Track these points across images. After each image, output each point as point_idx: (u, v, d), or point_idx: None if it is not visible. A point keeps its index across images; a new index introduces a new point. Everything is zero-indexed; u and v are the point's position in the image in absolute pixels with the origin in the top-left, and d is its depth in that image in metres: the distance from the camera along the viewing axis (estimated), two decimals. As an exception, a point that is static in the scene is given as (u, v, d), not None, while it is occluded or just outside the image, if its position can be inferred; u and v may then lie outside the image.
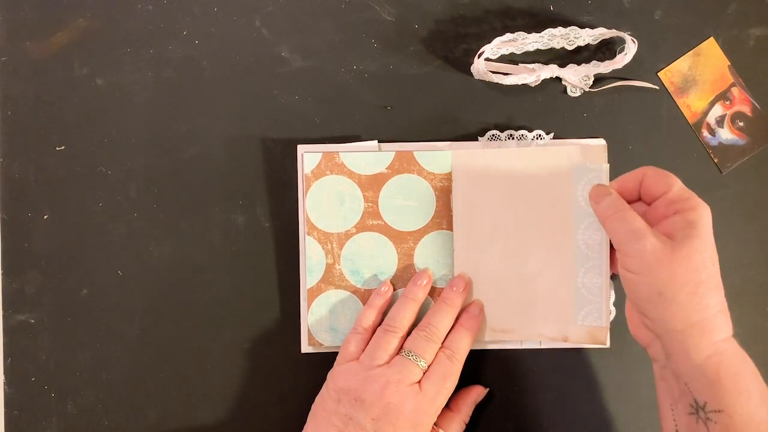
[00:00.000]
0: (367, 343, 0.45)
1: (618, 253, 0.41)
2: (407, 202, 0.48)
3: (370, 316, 0.46)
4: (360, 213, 0.48)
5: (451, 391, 0.44)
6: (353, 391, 0.42)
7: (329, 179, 0.48)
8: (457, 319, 0.46)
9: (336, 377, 0.44)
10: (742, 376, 0.38)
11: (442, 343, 0.45)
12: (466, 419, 0.46)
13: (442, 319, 0.45)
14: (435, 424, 0.45)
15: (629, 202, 0.43)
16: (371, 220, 0.48)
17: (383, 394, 0.41)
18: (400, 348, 0.44)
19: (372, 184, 0.48)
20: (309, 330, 0.48)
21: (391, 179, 0.48)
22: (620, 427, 0.48)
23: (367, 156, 0.48)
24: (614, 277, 0.47)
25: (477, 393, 0.47)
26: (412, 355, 0.43)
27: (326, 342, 0.48)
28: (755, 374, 0.39)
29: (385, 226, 0.48)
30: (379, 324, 0.46)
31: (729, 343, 0.39)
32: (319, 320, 0.48)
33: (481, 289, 0.47)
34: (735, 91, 0.49)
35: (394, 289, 0.47)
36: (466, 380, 0.48)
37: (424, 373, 0.43)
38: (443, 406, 0.43)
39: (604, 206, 0.43)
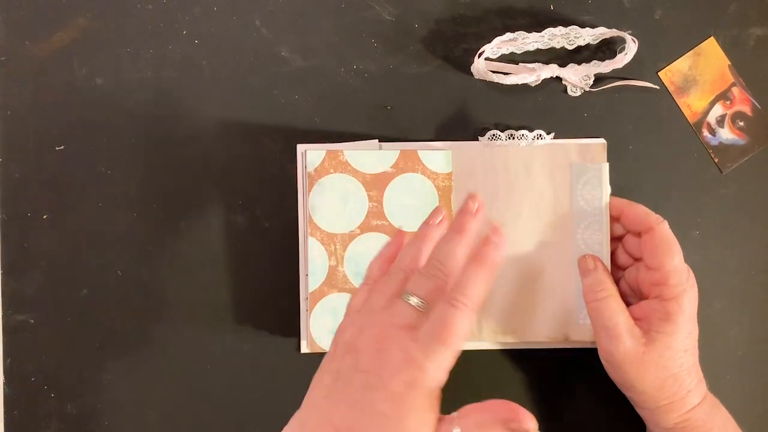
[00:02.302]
0: None
1: (596, 341, 0.43)
2: (412, 201, 0.47)
3: (380, 267, 0.41)
4: (364, 213, 0.48)
5: (455, 346, 0.34)
6: (347, 342, 0.36)
7: (333, 177, 0.48)
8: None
9: (337, 332, 0.38)
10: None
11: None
12: None
13: (449, 252, 0.37)
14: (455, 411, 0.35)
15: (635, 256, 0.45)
16: (376, 221, 0.47)
17: (371, 341, 0.35)
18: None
19: (377, 183, 0.48)
20: (310, 334, 0.48)
21: (395, 178, 0.47)
22: (620, 427, 0.48)
23: (371, 154, 0.48)
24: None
25: (514, 414, 0.34)
26: (409, 297, 0.36)
27: (328, 346, 0.48)
28: (724, 427, 0.42)
29: (389, 227, 0.47)
30: None
31: (697, 409, 0.42)
32: (322, 324, 0.47)
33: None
34: (735, 90, 0.49)
35: None
36: (467, 381, 0.48)
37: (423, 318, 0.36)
38: (448, 365, 0.34)
39: (586, 285, 0.44)
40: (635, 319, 0.42)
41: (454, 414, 0.35)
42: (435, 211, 0.41)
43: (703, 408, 0.42)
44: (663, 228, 0.42)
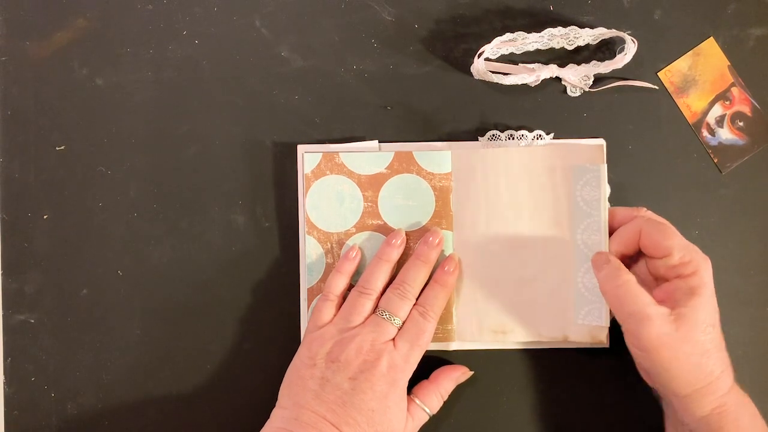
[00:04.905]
0: (339, 309, 0.45)
1: (622, 328, 0.42)
2: (407, 201, 0.48)
3: (341, 282, 0.46)
4: (360, 213, 0.48)
5: (425, 348, 0.44)
6: (329, 353, 0.43)
7: (329, 179, 0.48)
8: (433, 273, 0.46)
9: (310, 343, 0.44)
10: (743, 422, 0.40)
11: (417, 299, 0.45)
12: (445, 395, 0.46)
13: (415, 276, 0.45)
14: (412, 393, 0.45)
15: (631, 255, 0.44)
16: (371, 220, 0.48)
17: (359, 353, 0.42)
18: (375, 308, 0.45)
19: (372, 184, 0.48)
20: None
21: (390, 179, 0.48)
22: (620, 427, 0.48)
23: (366, 156, 0.48)
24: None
25: (460, 372, 0.47)
26: (386, 314, 0.44)
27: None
28: (754, 416, 0.41)
29: (384, 226, 0.48)
30: (348, 288, 0.47)
31: (731, 394, 0.40)
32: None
33: (481, 289, 0.47)
34: (735, 91, 0.49)
35: None
36: (467, 380, 0.48)
37: (399, 331, 0.44)
38: (417, 363, 0.44)
39: (603, 279, 0.43)
40: (659, 301, 0.41)
41: (414, 396, 0.45)
42: (395, 234, 0.47)
43: (736, 393, 0.41)
44: (647, 216, 0.43)
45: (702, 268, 0.41)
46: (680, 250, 0.41)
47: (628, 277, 0.42)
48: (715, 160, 0.49)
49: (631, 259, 0.45)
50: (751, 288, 0.49)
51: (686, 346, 0.40)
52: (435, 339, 0.47)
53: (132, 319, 0.49)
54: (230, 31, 0.50)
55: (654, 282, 0.44)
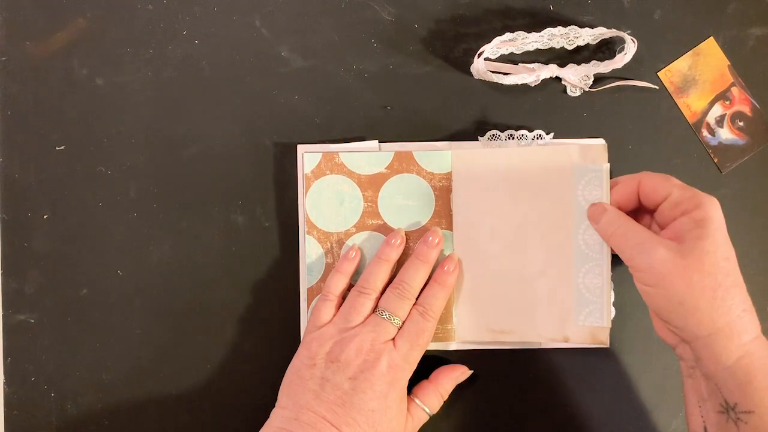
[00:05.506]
0: (338, 309, 0.45)
1: (630, 269, 0.41)
2: (407, 201, 0.48)
3: (340, 282, 0.46)
4: (359, 212, 0.48)
5: (425, 348, 0.44)
6: (329, 353, 0.43)
7: (329, 179, 0.48)
8: (432, 273, 0.46)
9: (309, 343, 0.44)
10: None
11: (417, 299, 0.45)
12: (445, 395, 0.46)
13: (414, 275, 0.45)
14: (412, 393, 0.45)
15: (630, 210, 0.44)
16: (371, 220, 0.48)
17: (359, 353, 0.42)
18: (375, 308, 0.45)
19: (371, 184, 0.48)
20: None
21: (390, 179, 0.48)
22: (620, 427, 0.48)
23: (366, 156, 0.48)
24: (614, 274, 0.47)
25: (460, 371, 0.47)
26: (386, 314, 0.44)
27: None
28: None
29: (384, 226, 0.48)
30: (348, 288, 0.47)
31: (758, 342, 0.39)
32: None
33: (481, 289, 0.47)
34: (735, 90, 0.49)
35: None
36: (467, 380, 0.48)
37: (398, 330, 0.44)
38: (417, 362, 0.44)
39: (604, 224, 0.43)
40: (669, 239, 0.40)
41: (414, 396, 0.45)
42: (395, 234, 0.47)
43: (764, 342, 0.39)
44: (648, 173, 0.42)
45: (706, 203, 0.40)
46: (680, 188, 0.41)
47: (629, 220, 0.42)
48: (715, 160, 0.49)
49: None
50: (751, 288, 0.49)
51: (696, 275, 0.38)
52: (435, 339, 0.47)
53: (132, 319, 0.49)
54: (230, 31, 0.50)
55: (666, 222, 0.42)
